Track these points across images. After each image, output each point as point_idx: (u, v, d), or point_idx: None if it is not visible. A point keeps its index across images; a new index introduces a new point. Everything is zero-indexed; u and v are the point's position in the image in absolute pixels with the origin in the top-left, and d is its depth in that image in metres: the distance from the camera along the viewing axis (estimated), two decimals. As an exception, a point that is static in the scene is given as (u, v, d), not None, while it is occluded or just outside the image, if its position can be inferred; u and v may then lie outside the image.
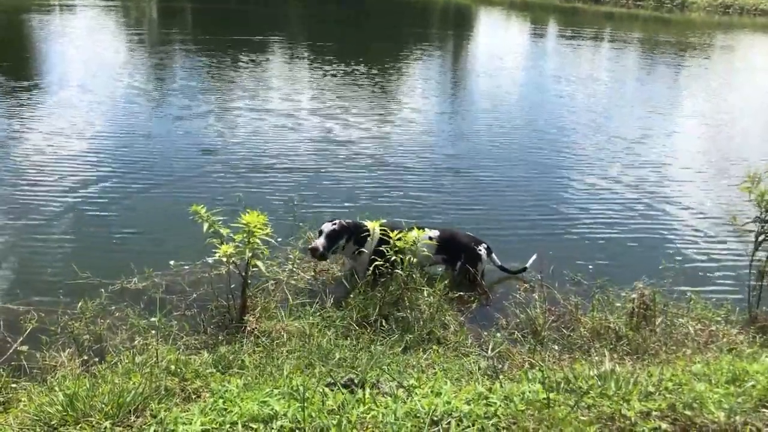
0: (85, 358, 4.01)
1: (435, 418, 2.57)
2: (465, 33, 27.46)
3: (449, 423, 2.54)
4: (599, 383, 2.89)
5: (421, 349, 4.21)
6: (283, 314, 4.63)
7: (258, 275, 4.89)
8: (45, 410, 2.91)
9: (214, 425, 2.63)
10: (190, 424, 2.65)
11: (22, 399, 3.29)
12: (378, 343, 4.22)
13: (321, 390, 2.88)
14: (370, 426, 2.58)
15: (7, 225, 6.24)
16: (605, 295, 5.11)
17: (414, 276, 4.88)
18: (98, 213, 6.60)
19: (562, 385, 2.92)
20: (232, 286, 4.61)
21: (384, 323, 4.54)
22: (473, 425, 2.54)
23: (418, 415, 2.61)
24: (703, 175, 8.86)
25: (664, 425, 2.54)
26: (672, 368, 3.29)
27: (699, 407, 2.64)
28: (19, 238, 5.99)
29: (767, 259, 4.88)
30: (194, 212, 4.37)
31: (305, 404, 2.66)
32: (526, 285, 5.48)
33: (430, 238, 5.38)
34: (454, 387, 3.00)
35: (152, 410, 2.88)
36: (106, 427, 2.74)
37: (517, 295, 5.22)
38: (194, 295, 4.97)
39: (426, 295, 4.77)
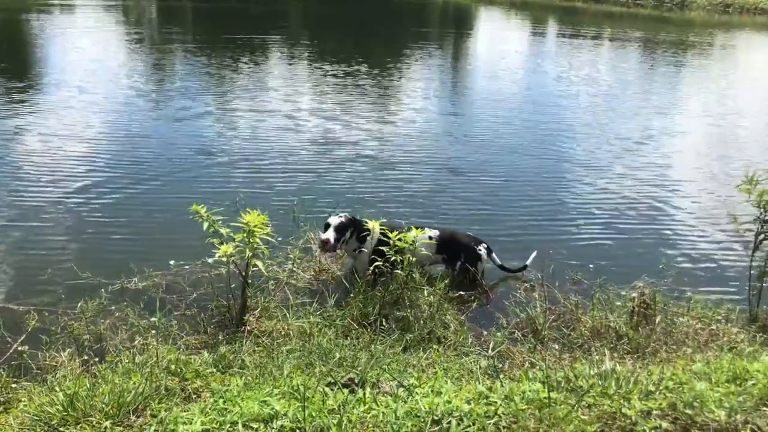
0: (86, 358, 4.01)
1: (435, 418, 2.57)
2: (465, 33, 27.47)
3: (450, 422, 2.53)
4: (600, 382, 2.89)
5: (421, 349, 4.21)
6: (283, 314, 4.63)
7: (258, 275, 4.88)
8: (45, 410, 2.91)
9: (214, 425, 2.63)
10: (191, 423, 2.65)
11: (23, 399, 3.29)
12: (378, 343, 4.21)
13: (321, 389, 2.88)
14: (370, 425, 2.58)
15: (7, 225, 6.24)
16: (605, 294, 5.11)
17: (414, 275, 4.88)
18: (98, 213, 6.59)
19: (562, 384, 2.92)
20: (233, 285, 4.60)
21: (384, 322, 4.54)
22: (474, 424, 2.54)
23: (418, 414, 2.61)
24: (704, 174, 8.86)
25: (664, 424, 2.54)
26: (672, 367, 3.29)
27: (699, 406, 2.64)
28: (19, 239, 5.98)
29: (767, 257, 4.88)
30: (194, 212, 4.36)
31: (305, 404, 2.65)
32: (526, 284, 5.48)
33: (430, 238, 5.38)
34: (454, 386, 2.99)
35: (153, 410, 2.88)
36: (106, 427, 2.74)
37: (518, 295, 5.22)
38: (194, 295, 4.97)
39: (426, 294, 4.77)
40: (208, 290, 4.94)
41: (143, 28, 22.97)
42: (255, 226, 4.28)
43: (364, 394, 2.81)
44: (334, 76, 14.45)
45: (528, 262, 5.62)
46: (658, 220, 7.15)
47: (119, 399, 2.91)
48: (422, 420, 2.56)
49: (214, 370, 3.62)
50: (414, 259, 4.83)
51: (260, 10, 29.10)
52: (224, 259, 4.31)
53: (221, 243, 4.31)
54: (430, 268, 5.49)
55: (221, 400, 2.85)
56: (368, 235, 5.27)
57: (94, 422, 2.78)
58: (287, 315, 4.62)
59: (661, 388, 2.83)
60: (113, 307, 4.70)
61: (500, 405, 2.66)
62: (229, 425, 2.61)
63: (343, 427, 2.53)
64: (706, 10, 37.35)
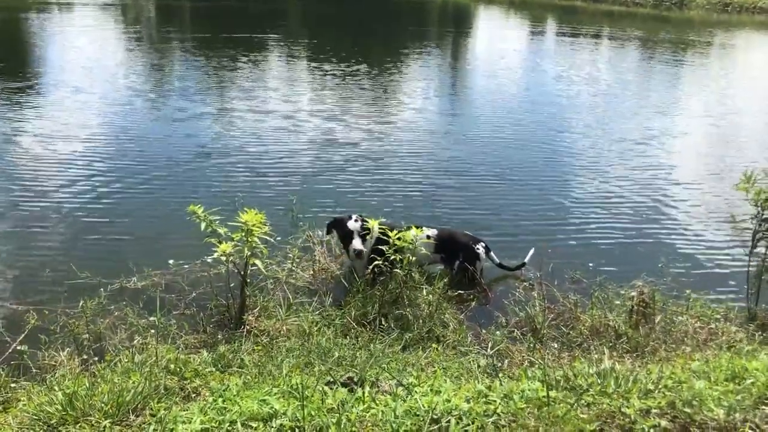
0: (85, 357, 4.00)
1: (435, 417, 2.57)
2: (464, 32, 27.45)
3: (449, 421, 2.54)
4: (599, 381, 2.90)
5: (420, 348, 4.21)
6: (282, 313, 4.63)
7: (257, 274, 4.88)
8: (44, 409, 2.91)
9: (213, 424, 2.63)
10: (190, 422, 2.65)
11: (22, 398, 3.29)
12: (377, 342, 4.22)
13: (320, 388, 2.88)
14: (369, 424, 2.58)
15: (6, 225, 6.24)
16: (604, 293, 5.11)
17: (413, 274, 4.89)
18: (97, 213, 6.59)
19: (561, 383, 2.92)
20: (232, 285, 4.60)
21: (383, 322, 4.54)
22: (473, 423, 2.54)
23: (417, 413, 2.61)
24: (703, 173, 8.85)
25: (663, 423, 2.54)
26: (671, 366, 3.30)
27: (698, 405, 2.64)
28: (18, 239, 5.99)
29: (765, 256, 4.89)
30: (191, 212, 4.36)
31: (305, 403, 2.66)
32: (525, 283, 5.48)
33: (428, 237, 5.38)
34: (453, 385, 3.00)
35: (152, 409, 2.88)
36: (105, 426, 2.74)
37: (517, 294, 5.22)
38: (193, 294, 4.97)
39: (425, 293, 4.78)
40: (207, 289, 4.94)
41: (141, 27, 22.93)
42: (253, 225, 4.28)
43: (364, 393, 2.81)
44: (333, 75, 14.44)
45: (526, 260, 5.62)
46: (658, 220, 7.15)
47: (118, 398, 2.91)
48: (421, 419, 2.57)
49: (214, 369, 3.62)
50: (413, 258, 4.84)
51: (259, 8, 29.06)
52: (223, 258, 4.31)
53: (220, 242, 4.31)
54: (429, 268, 5.49)
55: (220, 399, 2.86)
56: (368, 234, 5.28)
57: (94, 421, 2.78)
58: (286, 314, 4.62)
59: (660, 386, 2.83)
60: (112, 307, 4.70)
61: (499, 404, 2.66)
62: (228, 424, 2.62)
63: (342, 425, 2.54)
64: (705, 9, 37.32)
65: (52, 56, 15.88)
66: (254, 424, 2.60)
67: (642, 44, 23.60)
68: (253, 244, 4.34)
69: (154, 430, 2.66)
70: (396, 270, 4.76)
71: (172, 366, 3.48)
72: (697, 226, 6.98)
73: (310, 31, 23.70)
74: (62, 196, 6.95)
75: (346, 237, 5.25)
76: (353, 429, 2.55)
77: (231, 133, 9.68)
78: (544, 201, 7.60)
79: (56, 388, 3.23)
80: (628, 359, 3.96)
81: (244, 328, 4.39)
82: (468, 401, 2.70)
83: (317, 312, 4.71)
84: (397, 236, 4.75)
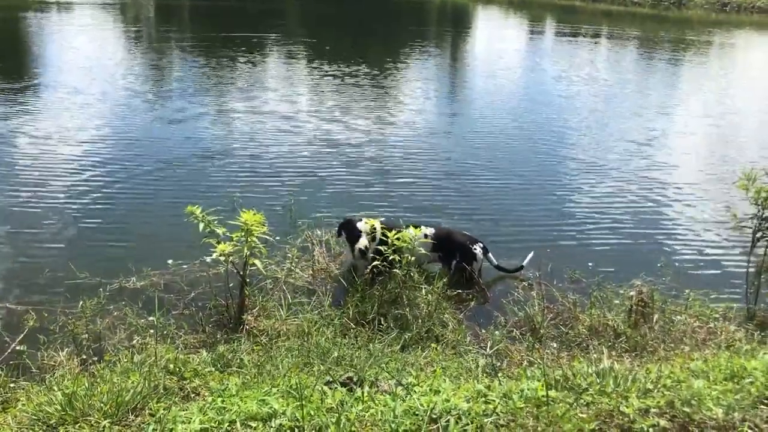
0: (84, 357, 4.01)
1: (434, 416, 2.57)
2: (464, 31, 27.45)
3: (448, 421, 2.54)
4: (598, 380, 2.90)
5: (419, 347, 4.21)
6: (281, 313, 4.63)
7: (256, 274, 4.89)
8: (44, 409, 2.91)
9: (213, 424, 2.63)
10: (189, 422, 2.65)
11: (21, 398, 3.29)
12: (376, 342, 4.22)
13: (320, 388, 2.88)
14: (368, 424, 2.58)
15: (5, 225, 6.23)
16: (604, 292, 5.12)
17: (412, 274, 4.89)
18: (96, 213, 6.59)
19: (560, 382, 2.92)
20: (231, 285, 4.60)
21: (382, 321, 4.54)
22: (472, 423, 2.54)
23: (416, 413, 2.61)
24: (702, 173, 8.86)
25: (662, 422, 2.54)
26: (670, 365, 3.30)
27: (697, 404, 2.64)
28: (17, 239, 5.98)
29: (765, 255, 4.89)
30: (189, 212, 4.36)
31: (304, 403, 2.66)
32: (524, 283, 5.48)
33: (426, 236, 5.38)
34: (452, 385, 3.00)
35: (151, 409, 2.88)
36: (105, 426, 2.74)
37: (516, 293, 5.22)
38: (193, 294, 4.97)
39: (424, 293, 4.78)
40: (207, 289, 4.94)
41: (141, 26, 22.92)
42: (252, 225, 4.28)
43: (363, 392, 2.81)
44: (333, 76, 14.43)
45: (525, 263, 5.61)
46: (657, 219, 7.16)
47: (118, 398, 2.90)
48: (420, 418, 2.57)
49: (213, 369, 3.62)
50: (412, 258, 4.84)
51: (258, 8, 29.06)
52: (222, 258, 4.31)
53: (218, 242, 4.32)
54: (429, 267, 5.49)
55: (220, 399, 2.85)
56: (374, 235, 5.29)
57: (93, 421, 2.78)
58: (285, 314, 4.62)
59: (659, 386, 2.83)
60: (112, 307, 4.70)
61: (498, 403, 2.66)
62: (227, 424, 2.62)
63: (341, 425, 2.54)
64: (703, 9, 37.34)
65: (50, 56, 15.88)
66: (253, 424, 2.60)
67: (641, 44, 23.60)
68: (252, 244, 4.34)
69: (153, 430, 2.66)
70: (395, 270, 4.76)
71: (172, 366, 3.48)
72: (696, 226, 6.99)
73: (309, 31, 23.70)
74: (61, 196, 6.95)
75: (354, 237, 5.25)
76: (352, 429, 2.55)
77: (230, 133, 9.68)
78: (543, 201, 7.60)
79: (55, 388, 3.23)
80: (627, 359, 3.96)
81: (243, 328, 4.39)
82: (467, 401, 2.70)
83: (316, 312, 4.71)
84: (395, 236, 4.75)
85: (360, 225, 5.27)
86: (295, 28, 24.55)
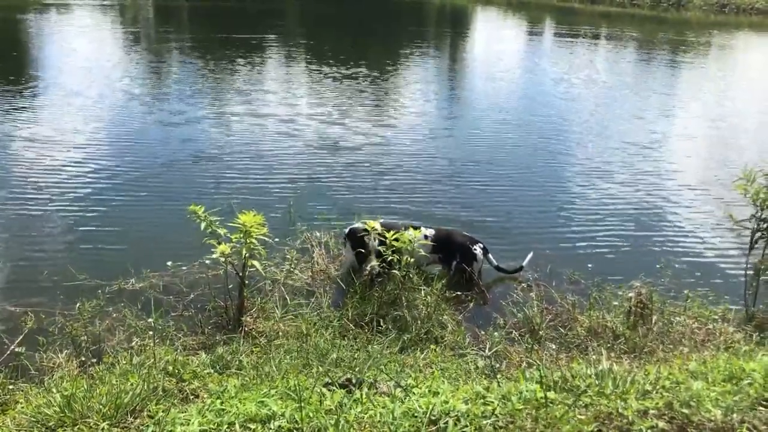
0: (83, 359, 4.01)
1: (432, 418, 2.57)
2: (463, 32, 27.45)
3: (447, 422, 2.54)
4: (597, 382, 2.90)
5: (418, 349, 4.21)
6: (280, 314, 4.64)
7: (256, 275, 4.89)
8: (42, 412, 2.91)
9: (211, 426, 2.63)
10: (188, 424, 2.64)
11: (20, 400, 3.29)
12: (375, 343, 4.22)
13: (318, 390, 2.88)
14: (367, 426, 2.58)
15: (4, 227, 6.23)
16: (602, 293, 5.12)
17: (411, 275, 4.89)
18: (95, 215, 6.59)
19: (559, 384, 2.92)
20: (230, 286, 4.60)
21: (381, 323, 4.54)
22: (471, 425, 2.54)
23: (415, 414, 2.61)
24: (702, 174, 8.87)
25: (661, 423, 2.54)
26: (669, 366, 3.30)
27: (696, 405, 2.64)
28: (15, 240, 5.98)
29: (763, 256, 4.90)
30: (191, 212, 4.37)
31: (303, 404, 2.66)
32: (523, 284, 5.48)
33: (426, 237, 5.38)
34: (451, 386, 3.00)
35: (150, 411, 2.88)
36: (103, 429, 2.74)
37: (515, 295, 5.22)
38: (192, 296, 4.97)
39: (423, 294, 4.78)
40: (206, 291, 4.95)
41: (140, 28, 22.92)
42: (251, 226, 4.28)
43: (362, 394, 2.81)
44: (332, 78, 14.41)
45: (524, 263, 5.61)
46: (656, 220, 7.16)
47: (116, 400, 2.90)
48: (419, 420, 2.57)
49: (212, 370, 3.62)
50: (411, 259, 4.84)
51: (257, 8, 29.07)
52: (221, 259, 4.31)
53: (218, 243, 4.32)
54: (428, 268, 5.50)
55: (218, 401, 2.85)
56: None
57: (92, 423, 2.78)
58: (284, 315, 4.62)
59: (657, 387, 2.83)
60: (110, 308, 4.69)
61: (497, 405, 2.66)
62: (226, 426, 2.61)
63: (340, 427, 2.54)
64: (702, 10, 37.37)
65: (49, 57, 15.87)
66: (252, 426, 2.60)
67: (640, 45, 23.61)
68: (251, 246, 4.34)
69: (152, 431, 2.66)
70: (394, 271, 4.77)
71: (171, 368, 3.48)
72: (696, 227, 6.99)
73: (309, 31, 23.69)
74: (60, 198, 6.94)
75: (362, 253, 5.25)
76: (351, 430, 2.55)
77: (229, 135, 9.67)
78: (542, 202, 7.61)
79: (54, 390, 3.23)
80: (626, 360, 3.97)
81: (242, 330, 4.39)
82: (466, 402, 2.70)
83: (315, 313, 4.71)
84: (394, 237, 4.75)
85: (371, 243, 5.20)
86: (294, 29, 24.56)
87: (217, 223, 4.40)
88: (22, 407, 3.08)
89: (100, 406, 2.88)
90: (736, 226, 4.98)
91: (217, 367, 3.69)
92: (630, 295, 4.77)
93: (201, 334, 4.42)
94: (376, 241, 5.17)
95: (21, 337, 4.18)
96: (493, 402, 2.70)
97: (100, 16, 24.42)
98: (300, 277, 5.37)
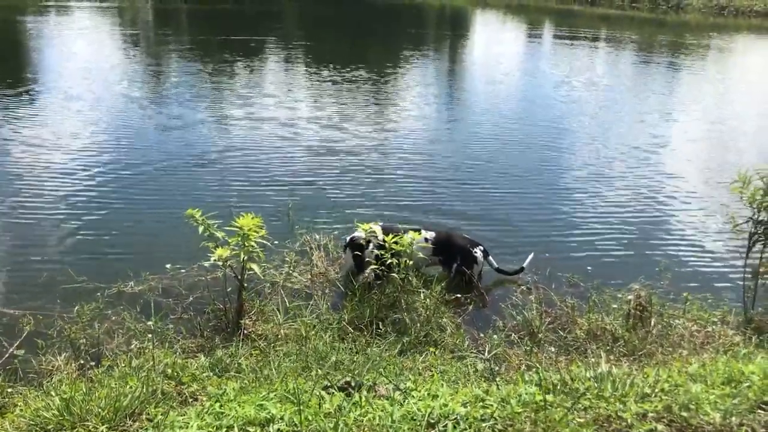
0: (82, 362, 4.00)
1: (432, 421, 2.57)
2: (463, 36, 27.49)
3: (446, 426, 2.54)
4: (596, 385, 2.90)
5: (417, 352, 4.21)
6: (279, 317, 4.63)
7: (255, 278, 4.89)
8: (41, 415, 2.90)
9: (210, 429, 2.62)
10: (187, 428, 2.64)
11: (18, 403, 3.28)
12: (374, 346, 4.22)
13: (318, 393, 2.88)
14: (366, 429, 2.58)
15: (3, 229, 6.23)
16: (602, 296, 5.12)
17: (410, 278, 4.89)
18: (94, 217, 6.58)
19: (558, 386, 2.92)
20: (229, 289, 4.60)
21: (380, 326, 4.54)
22: (470, 428, 2.54)
23: (414, 417, 2.61)
24: (701, 177, 8.87)
25: (660, 427, 2.55)
26: (668, 369, 3.29)
27: (695, 408, 2.65)
28: (14, 243, 5.98)
29: (761, 259, 4.90)
30: (189, 216, 4.37)
31: (302, 407, 2.65)
32: (522, 287, 5.48)
33: (427, 240, 5.39)
34: (450, 389, 3.00)
35: (149, 414, 2.88)
36: (102, 432, 2.74)
37: (514, 297, 5.22)
38: (191, 299, 4.97)
39: (423, 297, 4.78)
40: (205, 294, 4.94)
41: (139, 30, 22.93)
42: (249, 229, 4.28)
43: (361, 397, 2.81)
44: (331, 81, 14.43)
45: (525, 264, 5.61)
46: (655, 223, 7.16)
47: (115, 403, 2.90)
48: (418, 423, 2.57)
49: (211, 373, 3.62)
50: (410, 262, 4.84)
51: (256, 9, 29.11)
52: (220, 262, 4.31)
53: (217, 246, 4.32)
54: (427, 270, 5.50)
55: (217, 404, 2.85)
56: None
57: (90, 427, 2.78)
58: (283, 318, 4.62)
59: (656, 390, 2.83)
60: (110, 311, 4.69)
61: (496, 408, 2.66)
62: (225, 429, 2.61)
63: (339, 430, 2.53)
64: (701, 13, 37.46)
65: (47, 60, 15.88)
66: (251, 429, 2.60)
67: (640, 48, 23.66)
68: (250, 249, 4.34)
69: (151, 435, 2.66)
70: (393, 274, 4.77)
71: (170, 371, 3.48)
72: (695, 230, 7.00)
73: (307, 34, 23.71)
74: (59, 201, 6.94)
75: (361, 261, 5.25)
76: (350, 434, 2.55)
77: (227, 139, 9.67)
78: (541, 205, 7.61)
79: (53, 393, 3.22)
80: (625, 363, 3.96)
81: (241, 333, 4.38)
82: (465, 405, 2.70)
83: (314, 316, 4.71)
84: (393, 240, 4.75)
85: (367, 253, 5.18)
86: (292, 31, 24.58)
87: (216, 226, 4.40)
88: (21, 410, 3.08)
89: (99, 410, 2.87)
90: (736, 229, 4.97)
91: (216, 370, 3.69)
92: (629, 297, 4.77)
93: (200, 337, 4.42)
94: (373, 248, 5.15)
95: (20, 340, 4.18)
96: (492, 405, 2.70)
97: (99, 18, 24.46)
98: (299, 280, 5.36)
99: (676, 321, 4.67)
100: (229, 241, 4.35)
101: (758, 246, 4.85)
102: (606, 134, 10.98)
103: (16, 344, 4.12)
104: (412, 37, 24.00)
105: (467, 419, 2.59)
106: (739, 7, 37.21)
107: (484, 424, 2.56)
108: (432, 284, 4.96)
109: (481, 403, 2.73)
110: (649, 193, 8.07)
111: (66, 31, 20.60)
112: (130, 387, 3.11)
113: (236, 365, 3.77)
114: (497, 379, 3.32)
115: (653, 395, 2.79)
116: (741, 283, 5.08)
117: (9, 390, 3.56)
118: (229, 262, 4.36)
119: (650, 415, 2.62)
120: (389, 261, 4.74)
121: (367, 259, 5.13)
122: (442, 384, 3.11)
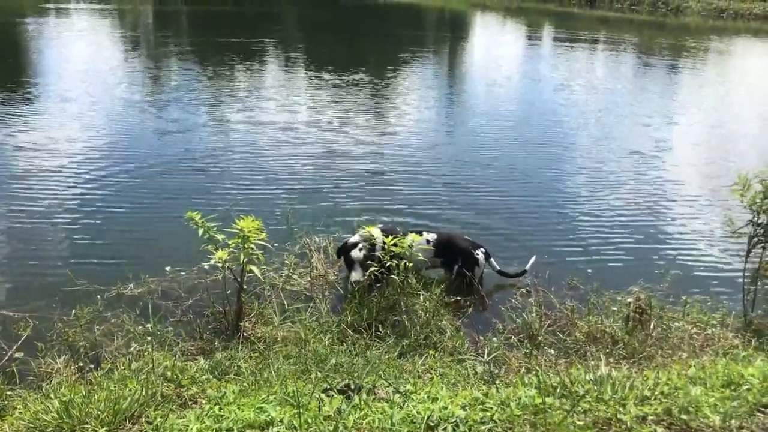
0: (81, 364, 4.00)
1: (431, 424, 2.57)
2: (462, 39, 27.51)
3: (445, 428, 2.54)
4: (595, 387, 2.90)
5: (417, 354, 4.21)
6: (279, 320, 4.63)
7: (254, 281, 4.88)
8: (40, 417, 2.90)
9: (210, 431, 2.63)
10: (187, 430, 2.64)
11: (18, 406, 3.28)
12: (374, 349, 4.22)
13: (317, 396, 2.88)
14: (366, 431, 2.58)
15: (2, 233, 6.22)
16: (601, 299, 5.12)
17: (410, 281, 4.89)
18: (93, 220, 6.58)
19: (558, 389, 2.92)
20: (228, 291, 4.60)
21: (380, 328, 4.54)
22: (469, 430, 2.54)
23: (414, 420, 2.61)
24: (700, 179, 8.88)
25: (659, 429, 2.55)
26: (668, 372, 3.30)
27: (694, 411, 2.65)
28: (13, 246, 5.97)
29: (760, 262, 4.90)
30: (189, 218, 4.37)
31: (301, 410, 2.65)
32: (522, 290, 5.48)
33: (428, 242, 5.39)
34: (450, 392, 3.00)
35: (148, 417, 2.87)
36: (101, 434, 2.73)
37: (514, 300, 5.22)
38: (190, 301, 4.96)
39: (422, 299, 4.78)
40: (204, 296, 4.94)
41: (138, 33, 22.94)
42: (249, 231, 4.28)
43: (360, 400, 2.81)
44: (331, 84, 14.43)
45: (527, 267, 5.61)
46: (655, 226, 7.16)
47: (115, 406, 2.90)
48: (418, 426, 2.57)
49: (210, 376, 3.61)
50: (410, 264, 4.84)
51: (256, 11, 29.13)
52: (219, 265, 4.31)
53: (216, 249, 4.32)
54: (428, 272, 5.50)
55: (217, 407, 2.85)
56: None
57: (90, 429, 2.78)
58: (283, 321, 4.62)
59: (656, 393, 2.84)
60: (109, 314, 4.68)
61: (496, 411, 2.66)
62: (224, 432, 2.61)
63: (338, 433, 2.53)
64: (700, 16, 37.54)
65: (47, 62, 15.86)
66: (251, 432, 2.60)
67: (640, 51, 23.69)
68: (250, 251, 4.34)
69: (150, 438, 2.66)
70: (393, 276, 4.77)
71: (169, 373, 3.48)
72: (694, 232, 7.00)
73: (306, 36, 23.75)
74: (59, 204, 6.94)
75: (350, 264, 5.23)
76: (350, 436, 2.54)
77: (227, 142, 9.66)
78: (541, 207, 7.61)
79: (52, 395, 3.22)
80: (625, 365, 3.96)
81: (240, 335, 4.38)
82: (464, 408, 2.70)
83: (314, 318, 4.71)
84: (393, 242, 4.75)
85: (354, 253, 5.14)
86: (292, 33, 24.61)
87: (215, 228, 4.40)
88: (20, 413, 3.08)
89: (99, 412, 2.87)
90: (735, 232, 4.97)
91: (216, 373, 3.68)
92: (629, 300, 4.78)
93: (199, 339, 4.42)
94: (363, 253, 5.12)
95: (19, 342, 4.17)
96: (491, 408, 2.70)
97: (98, 21, 24.47)
98: (299, 283, 5.36)
99: (676, 324, 4.68)
100: (229, 243, 4.34)
101: (758, 249, 4.86)
102: (606, 137, 10.98)
103: (15, 347, 4.11)
104: (412, 40, 24.00)
105: (467, 422, 2.59)
106: (738, 10, 37.30)
107: (483, 427, 2.57)
108: (431, 287, 4.96)
109: (480, 406, 2.73)
110: (648, 195, 8.08)
111: (65, 33, 20.61)
112: (130, 390, 3.11)
113: (236, 368, 3.77)
114: (497, 382, 3.32)
115: (653, 398, 2.79)
116: (741, 285, 5.08)
117: (8, 393, 3.55)
118: (228, 265, 4.36)
119: (650, 417, 2.62)
120: (389, 263, 4.74)
121: (367, 262, 5.12)
122: (442, 387, 3.11)
